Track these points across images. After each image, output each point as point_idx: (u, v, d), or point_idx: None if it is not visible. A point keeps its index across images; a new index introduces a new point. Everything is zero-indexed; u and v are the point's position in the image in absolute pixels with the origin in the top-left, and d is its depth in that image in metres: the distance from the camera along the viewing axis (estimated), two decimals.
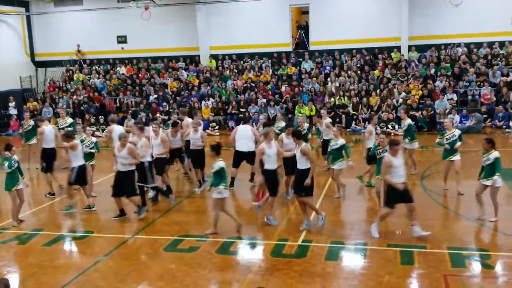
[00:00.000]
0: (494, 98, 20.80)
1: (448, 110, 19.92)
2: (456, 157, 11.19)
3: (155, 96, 24.51)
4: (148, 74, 26.81)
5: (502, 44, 23.47)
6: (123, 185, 10.44)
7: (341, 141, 11.30)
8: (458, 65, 22.58)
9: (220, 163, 9.20)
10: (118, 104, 24.84)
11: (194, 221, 10.51)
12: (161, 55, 28.09)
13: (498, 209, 9.48)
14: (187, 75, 26.38)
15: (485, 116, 20.00)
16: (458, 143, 11.21)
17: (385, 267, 7.85)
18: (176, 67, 27.25)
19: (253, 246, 9.04)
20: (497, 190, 9.41)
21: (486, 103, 20.60)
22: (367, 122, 20.55)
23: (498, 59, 22.79)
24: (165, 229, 10.01)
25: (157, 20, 27.14)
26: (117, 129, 12.46)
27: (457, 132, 11.27)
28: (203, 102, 23.51)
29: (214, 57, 27.51)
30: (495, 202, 9.51)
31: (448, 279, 7.34)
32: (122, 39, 29.09)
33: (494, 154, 9.44)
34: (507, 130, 18.98)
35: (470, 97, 21.37)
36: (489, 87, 21.18)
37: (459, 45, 24.06)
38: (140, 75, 27.00)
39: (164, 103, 23.76)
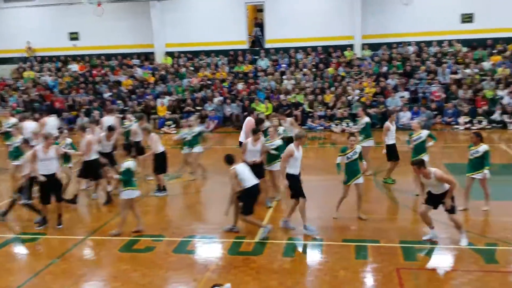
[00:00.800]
0: (444, 95, 21.51)
1: (399, 107, 20.47)
2: (424, 158, 10.94)
3: (109, 94, 24.04)
4: (102, 72, 26.24)
5: (451, 43, 24.30)
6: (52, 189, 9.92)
7: (277, 142, 10.96)
8: (409, 63, 23.22)
9: (128, 163, 9.13)
10: (70, 102, 24.18)
11: (150, 221, 10.36)
12: (115, 52, 27.57)
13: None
14: (142, 72, 26.00)
15: (435, 112, 20.66)
16: (430, 143, 11.22)
17: (340, 262, 8.00)
18: (130, 65, 26.79)
19: (210, 244, 9.01)
20: (486, 181, 9.82)
21: (436, 100, 21.28)
22: (322, 119, 20.92)
23: (447, 57, 23.59)
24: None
25: (110, 16, 26.58)
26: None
27: (424, 133, 11.10)
28: (159, 100, 23.23)
29: (169, 54, 27.22)
30: (486, 191, 9.91)
31: (400, 272, 7.55)
32: (74, 36, 28.38)
33: (484, 147, 9.77)
34: (455, 126, 19.67)
35: (420, 94, 22.02)
36: (439, 85, 21.89)
37: (410, 43, 24.75)
38: (93, 72, 26.41)
39: (119, 101, 23.32)
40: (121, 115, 19.70)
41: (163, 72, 25.56)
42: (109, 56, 27.50)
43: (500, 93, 20.51)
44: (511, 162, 13.71)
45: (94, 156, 11.28)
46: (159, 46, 27.17)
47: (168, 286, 7.57)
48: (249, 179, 9.01)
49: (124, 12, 27.20)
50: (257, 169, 10.15)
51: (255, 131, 10.51)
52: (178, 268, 8.02)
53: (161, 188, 12.02)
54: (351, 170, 9.58)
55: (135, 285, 7.47)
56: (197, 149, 13.04)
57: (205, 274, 7.74)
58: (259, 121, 11.79)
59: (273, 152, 10.68)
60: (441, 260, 8.06)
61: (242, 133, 12.82)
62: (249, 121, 12.36)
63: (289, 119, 13.08)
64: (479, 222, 9.47)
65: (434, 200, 8.52)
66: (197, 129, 13.23)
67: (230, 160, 9.18)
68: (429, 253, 8.29)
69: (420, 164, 8.41)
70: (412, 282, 7.25)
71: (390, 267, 7.71)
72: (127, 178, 9.17)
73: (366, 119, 13.07)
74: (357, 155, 9.60)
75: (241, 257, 8.32)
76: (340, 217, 9.89)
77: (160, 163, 11.89)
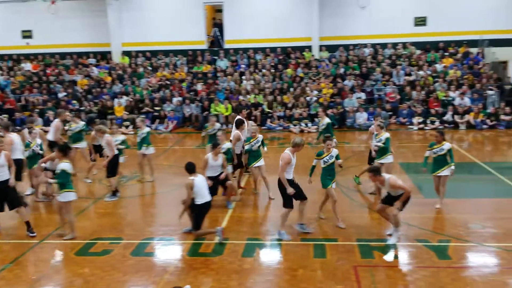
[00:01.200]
0: (398, 97, 22.07)
1: (356, 108, 20.88)
2: (386, 159, 10.99)
3: (64, 93, 23.43)
4: (56, 71, 25.55)
5: (405, 45, 24.98)
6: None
7: (227, 144, 11.12)
8: (365, 65, 23.71)
9: (63, 165, 8.89)
10: (23, 102, 23.42)
11: (107, 223, 10.18)
12: (70, 51, 26.91)
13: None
14: (98, 72, 25.48)
15: (390, 113, 21.18)
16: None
17: (299, 261, 8.09)
18: (86, 64, 26.21)
19: (169, 246, 8.93)
20: (447, 178, 10.26)
21: (391, 101, 21.81)
22: (281, 120, 21.08)
23: (402, 59, 24.23)
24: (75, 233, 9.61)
25: (65, 14, 26.01)
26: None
27: (385, 135, 11.12)
28: (116, 100, 22.82)
29: (126, 53, 26.79)
30: (444, 189, 10.31)
31: (357, 269, 7.71)
32: (27, 34, 27.54)
33: (447, 145, 10.27)
34: (410, 126, 20.21)
35: (376, 95, 22.53)
36: (394, 86, 22.45)
37: (366, 45, 25.27)
38: (47, 71, 25.67)
39: (74, 101, 22.78)
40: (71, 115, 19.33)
41: (120, 72, 25.13)
42: (63, 55, 26.79)
43: (452, 94, 21.22)
44: (462, 161, 14.19)
45: (18, 156, 10.72)
46: (115, 45, 26.71)
47: None
48: (203, 196, 8.88)
49: (80, 10, 26.58)
50: (214, 185, 10.20)
51: (214, 145, 10.41)
52: (136, 271, 7.90)
53: (113, 192, 11.76)
54: (328, 174, 9.49)
55: None
56: (149, 150, 12.89)
57: (163, 277, 7.66)
58: (238, 122, 11.69)
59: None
60: (396, 257, 8.27)
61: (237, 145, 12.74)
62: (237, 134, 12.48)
63: (250, 122, 13.05)
64: (433, 220, 9.76)
65: (390, 199, 8.75)
66: (145, 130, 13.01)
67: (190, 169, 8.98)
68: (385, 251, 8.49)
69: (375, 172, 8.64)
70: (369, 279, 7.41)
71: (347, 265, 7.86)
72: (63, 181, 8.87)
73: (327, 120, 13.28)
74: (333, 159, 9.51)
75: (200, 259, 8.29)
76: (296, 217, 10.00)
77: (112, 166, 11.54)
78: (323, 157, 9.54)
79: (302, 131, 20.13)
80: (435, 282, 7.28)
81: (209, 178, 10.10)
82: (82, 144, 13.48)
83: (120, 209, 11.11)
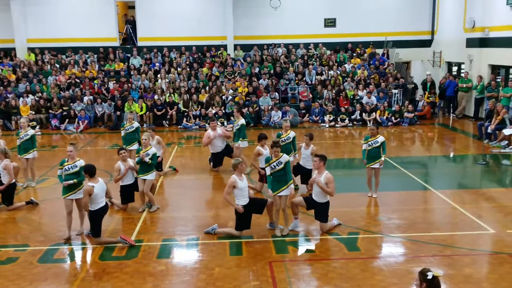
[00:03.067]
0: (311, 95, 22.76)
1: (271, 107, 21.26)
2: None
3: None
4: None
5: (316, 46, 25.80)
6: None
7: (152, 150, 10.60)
8: (279, 64, 24.20)
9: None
10: None
11: (12, 230, 9.60)
12: None
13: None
14: (1, 69, 23.87)
15: (303, 111, 21.78)
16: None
17: (216, 259, 8.12)
18: None
19: (80, 252, 8.58)
20: (380, 170, 10.98)
21: (303, 100, 22.44)
22: (197, 119, 20.98)
23: (313, 59, 25.00)
24: None
25: None
26: None
27: (292, 134, 11.66)
28: (21, 99, 21.52)
29: (32, 50, 25.33)
30: (378, 180, 11.01)
31: (272, 265, 7.87)
32: None
33: (381, 138, 10.90)
34: (322, 124, 20.91)
35: (290, 94, 23.07)
36: (306, 85, 23.12)
37: (279, 45, 25.81)
38: None
39: None
40: None
41: (25, 69, 23.72)
42: None
43: (359, 93, 22.22)
44: None
45: None
46: (20, 41, 25.17)
47: None
48: (100, 201, 8.64)
49: None
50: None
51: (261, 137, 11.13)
52: (44, 278, 7.52)
53: None
54: (277, 180, 9.06)
55: None
56: (31, 154, 12.32)
57: (74, 283, 7.36)
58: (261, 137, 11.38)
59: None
60: (309, 251, 8.55)
61: (216, 143, 13.33)
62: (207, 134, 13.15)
63: (156, 137, 12.96)
64: (342, 213, 10.16)
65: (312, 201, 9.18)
66: (29, 132, 12.39)
67: (91, 172, 8.69)
68: (298, 245, 8.74)
69: (322, 158, 9.08)
70: (284, 273, 7.59)
71: (263, 261, 7.99)
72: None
73: (242, 121, 13.35)
74: (282, 165, 9.05)
75: (114, 263, 8.05)
76: (211, 216, 10.03)
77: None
78: (271, 163, 9.10)
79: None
80: (346, 273, 7.60)
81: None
82: None
83: (25, 215, 10.50)
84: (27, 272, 7.73)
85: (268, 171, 9.20)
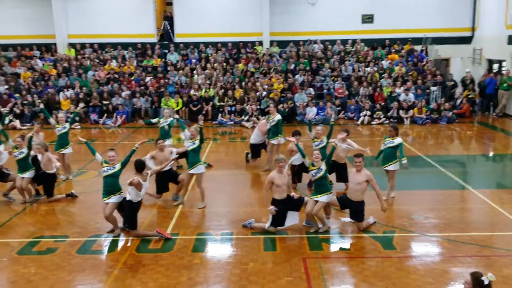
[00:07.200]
0: (346, 92, 22.53)
1: (306, 103, 21.16)
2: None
3: (6, 87, 22.47)
4: None
5: (353, 42, 25.49)
6: None
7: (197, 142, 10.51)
8: (315, 61, 24.03)
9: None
10: None
11: (52, 221, 9.89)
12: (12, 43, 25.75)
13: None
14: (43, 64, 24.58)
15: (338, 108, 21.59)
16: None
17: (250, 254, 8.15)
18: (30, 56, 25.22)
19: (117, 243, 8.77)
20: (395, 173, 10.67)
21: (339, 97, 22.23)
22: (232, 115, 21.08)
23: (350, 55, 24.72)
24: (17, 231, 9.29)
25: (8, 4, 24.94)
26: None
27: (324, 141, 11.23)
28: (61, 93, 22.12)
29: (72, 45, 25.97)
30: (393, 183, 10.71)
31: (306, 261, 7.85)
32: None
33: (399, 139, 10.62)
34: (357, 122, 20.67)
35: (325, 91, 22.90)
36: (342, 82, 22.89)
37: (315, 42, 25.62)
38: None
39: (17, 95, 21.90)
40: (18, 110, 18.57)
41: (66, 65, 24.33)
42: (5, 47, 25.65)
43: (397, 90, 21.85)
44: (407, 154, 14.60)
45: None
46: (61, 37, 25.82)
47: None
48: (141, 194, 8.80)
49: (23, 0, 25.54)
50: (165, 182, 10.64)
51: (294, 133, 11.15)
52: (82, 269, 7.72)
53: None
54: (317, 185, 9.09)
55: None
56: (67, 149, 12.57)
57: (111, 274, 7.52)
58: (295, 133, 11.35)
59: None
60: (343, 248, 8.48)
61: (254, 135, 13.59)
62: (262, 123, 13.27)
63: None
64: (378, 211, 10.03)
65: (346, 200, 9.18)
66: (66, 126, 12.59)
67: (139, 167, 8.84)
68: (332, 242, 8.68)
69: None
70: (317, 270, 7.55)
71: (297, 257, 7.98)
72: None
73: (278, 117, 13.11)
74: (322, 173, 9.02)
75: (150, 255, 8.19)
76: (246, 211, 10.07)
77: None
78: (311, 171, 9.14)
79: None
80: (380, 271, 7.51)
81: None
82: None
83: (65, 207, 10.80)
84: (66, 262, 7.94)
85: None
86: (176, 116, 13.67)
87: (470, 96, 21.81)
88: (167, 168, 10.47)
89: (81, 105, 16.11)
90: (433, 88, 21.89)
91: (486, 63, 24.00)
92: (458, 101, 21.56)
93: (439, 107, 20.70)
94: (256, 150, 13.80)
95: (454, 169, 13.41)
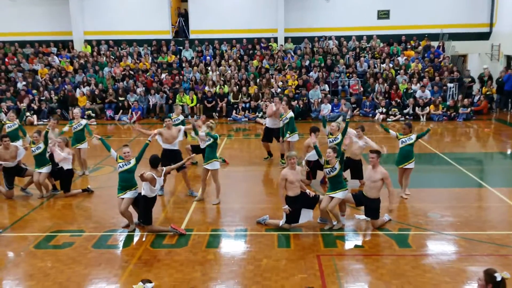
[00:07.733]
0: (362, 89, 22.38)
1: (320, 100, 21.06)
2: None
3: (24, 83, 22.76)
4: (15, 60, 24.76)
5: (369, 38, 25.31)
6: None
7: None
8: (330, 57, 23.91)
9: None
10: None
11: (68, 216, 9.99)
12: (30, 39, 26.12)
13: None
14: (60, 61, 24.83)
15: (354, 105, 21.45)
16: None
17: (264, 251, 8.14)
18: (47, 52, 25.50)
19: (132, 238, 8.83)
20: (411, 171, 10.72)
21: (354, 93, 22.09)
22: (246, 111, 21.08)
23: (365, 51, 24.54)
24: (35, 226, 9.40)
25: (25, 1, 25.19)
26: None
27: (340, 136, 11.22)
28: (78, 90, 22.33)
29: (88, 42, 26.19)
30: (408, 182, 10.73)
31: (321, 258, 7.82)
32: None
33: (414, 136, 10.72)
34: (374, 119, 20.53)
35: (340, 87, 22.77)
36: (357, 78, 22.74)
37: (330, 38, 25.48)
38: (6, 60, 24.85)
39: (34, 91, 22.17)
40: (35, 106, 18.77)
41: (82, 61, 24.55)
42: (23, 44, 25.98)
43: (413, 87, 21.64)
44: (423, 152, 14.54)
45: None
46: (77, 33, 26.08)
47: (87, 283, 7.30)
48: (156, 189, 8.89)
49: None
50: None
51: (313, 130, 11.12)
52: (98, 263, 7.79)
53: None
54: (332, 183, 9.13)
55: (52, 283, 7.16)
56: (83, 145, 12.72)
57: (126, 269, 7.58)
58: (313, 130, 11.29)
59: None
60: (358, 246, 8.43)
61: (268, 119, 13.67)
62: (271, 106, 13.36)
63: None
64: (394, 208, 9.95)
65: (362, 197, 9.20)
66: (82, 122, 12.76)
67: (154, 163, 8.91)
68: (347, 240, 8.64)
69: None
70: (332, 267, 7.52)
71: (311, 254, 7.95)
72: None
73: (291, 114, 13.00)
74: (336, 171, 9.01)
75: (164, 250, 8.23)
76: (260, 208, 10.06)
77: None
78: (326, 169, 9.14)
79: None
80: (395, 269, 7.45)
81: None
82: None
83: (81, 202, 10.90)
84: (82, 257, 8.02)
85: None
86: (182, 117, 13.50)
87: (488, 93, 21.53)
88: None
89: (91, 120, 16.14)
90: (449, 85, 21.65)
91: (504, 59, 23.66)
92: (476, 98, 21.29)
93: (456, 104, 20.46)
94: (268, 134, 13.73)
95: (471, 167, 13.26)
